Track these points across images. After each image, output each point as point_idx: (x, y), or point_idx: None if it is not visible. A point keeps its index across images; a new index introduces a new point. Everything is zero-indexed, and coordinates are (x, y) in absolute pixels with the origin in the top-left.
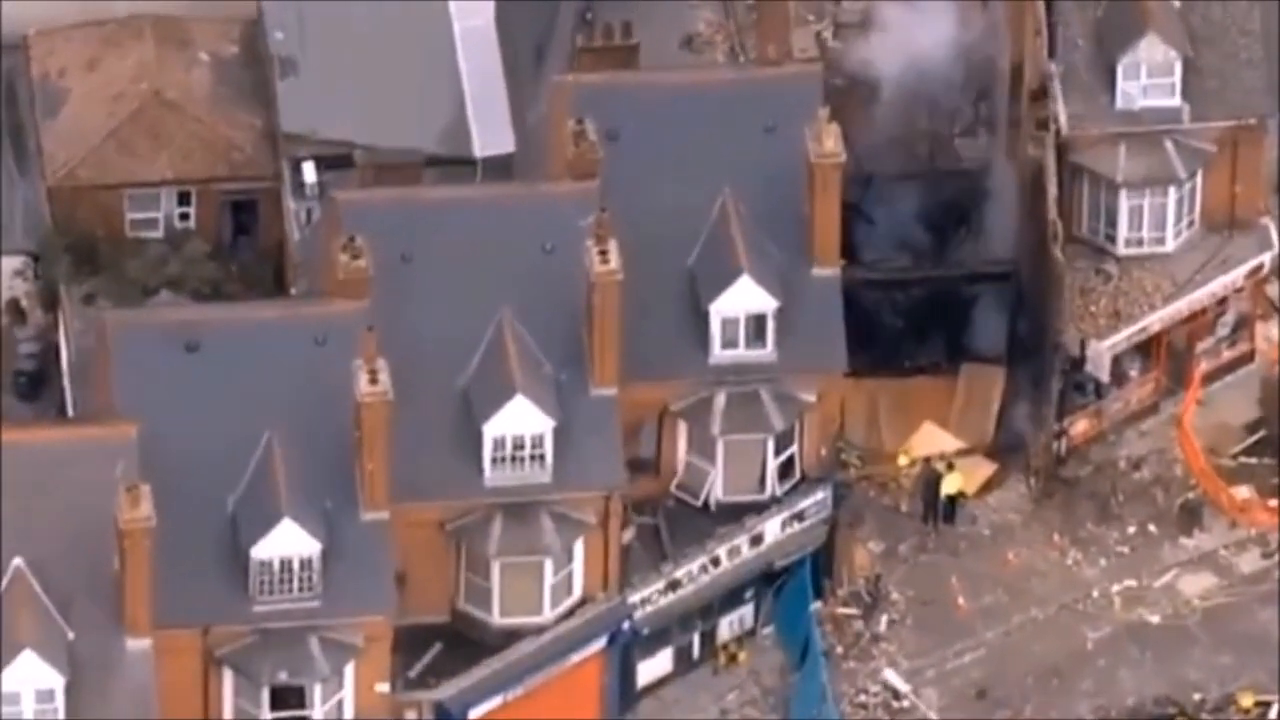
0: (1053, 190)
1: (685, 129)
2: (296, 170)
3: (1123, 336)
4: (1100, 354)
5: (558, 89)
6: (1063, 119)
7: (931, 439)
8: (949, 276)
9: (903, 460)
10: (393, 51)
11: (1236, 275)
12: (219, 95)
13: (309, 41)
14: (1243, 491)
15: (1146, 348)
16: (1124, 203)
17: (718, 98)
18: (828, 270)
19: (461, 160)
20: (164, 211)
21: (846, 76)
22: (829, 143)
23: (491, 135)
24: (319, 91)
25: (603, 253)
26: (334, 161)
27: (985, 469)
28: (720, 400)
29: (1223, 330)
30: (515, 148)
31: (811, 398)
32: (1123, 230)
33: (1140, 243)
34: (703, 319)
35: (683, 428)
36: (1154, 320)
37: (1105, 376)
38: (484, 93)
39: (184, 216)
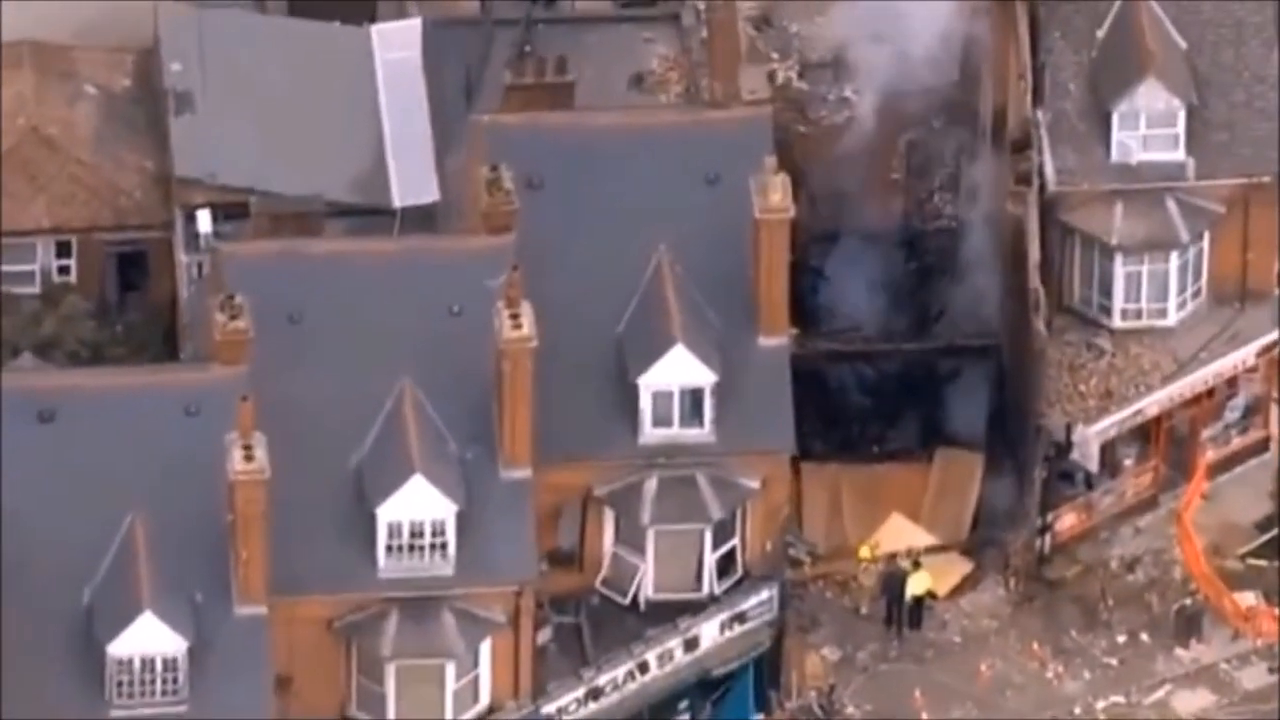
0: (1034, 254)
1: (617, 178)
2: (191, 219)
3: (1113, 421)
4: (1087, 440)
5: (473, 130)
6: (1050, 173)
7: (900, 533)
8: (923, 350)
9: (863, 553)
10: (305, 86)
11: (1247, 353)
12: (105, 133)
13: (210, 74)
14: (1248, 598)
15: (1145, 433)
16: (1120, 269)
17: (654, 143)
18: (774, 339)
19: (378, 210)
20: (40, 264)
21: (812, 122)
22: (775, 196)
23: (412, 182)
24: (219, 131)
25: (514, 316)
26: (233, 210)
27: (959, 567)
28: (651, 485)
29: (1231, 415)
30: (439, 197)
31: (755, 484)
32: (1118, 300)
33: (1138, 314)
34: (632, 393)
35: (609, 515)
36: (1151, 403)
37: (1093, 465)
38: (406, 134)
39: (63, 270)
